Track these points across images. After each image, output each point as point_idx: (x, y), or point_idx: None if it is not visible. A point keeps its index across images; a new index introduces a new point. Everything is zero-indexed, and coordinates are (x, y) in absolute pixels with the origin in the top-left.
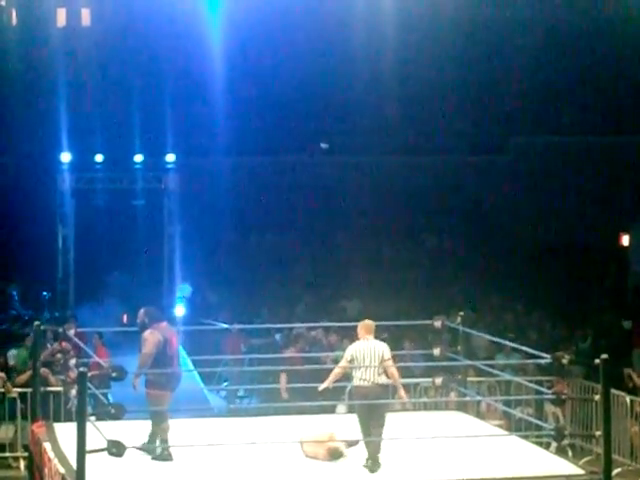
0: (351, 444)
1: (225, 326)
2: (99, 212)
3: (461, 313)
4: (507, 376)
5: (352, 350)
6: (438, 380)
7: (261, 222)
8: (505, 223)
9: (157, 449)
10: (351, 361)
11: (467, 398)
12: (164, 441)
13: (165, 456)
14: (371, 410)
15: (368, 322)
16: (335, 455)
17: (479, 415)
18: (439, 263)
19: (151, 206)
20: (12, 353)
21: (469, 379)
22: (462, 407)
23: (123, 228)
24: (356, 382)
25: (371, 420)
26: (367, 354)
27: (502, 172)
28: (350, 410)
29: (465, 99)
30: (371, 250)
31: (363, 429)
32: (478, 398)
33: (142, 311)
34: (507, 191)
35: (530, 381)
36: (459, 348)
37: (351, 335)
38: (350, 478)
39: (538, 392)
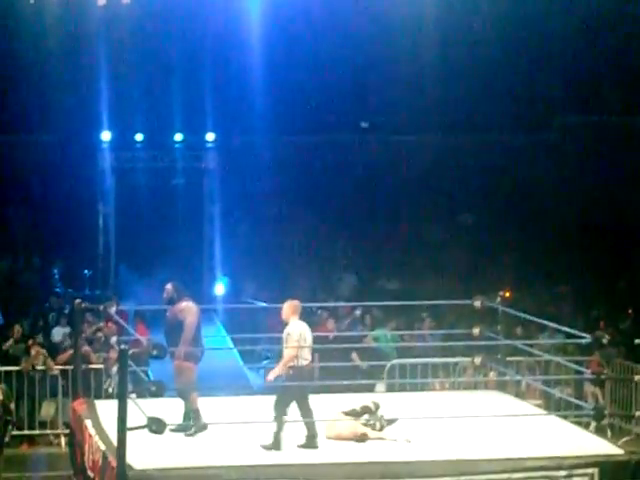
0: (389, 422)
1: (264, 305)
2: (139, 191)
3: (501, 293)
4: (547, 356)
5: (300, 329)
6: (477, 360)
7: (300, 201)
8: (547, 202)
9: (193, 423)
10: (298, 341)
11: (506, 378)
12: (196, 411)
13: (201, 427)
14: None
15: (297, 302)
16: (363, 437)
17: (518, 395)
18: (479, 242)
19: (191, 185)
20: (55, 331)
21: (508, 359)
22: (501, 387)
23: (163, 207)
24: (302, 362)
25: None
26: (308, 334)
27: (545, 151)
28: (389, 389)
29: (509, 77)
30: (410, 229)
31: (306, 408)
32: (517, 378)
33: (170, 286)
34: (550, 170)
35: (570, 361)
36: (498, 328)
37: (390, 315)
38: (384, 456)
39: (578, 372)
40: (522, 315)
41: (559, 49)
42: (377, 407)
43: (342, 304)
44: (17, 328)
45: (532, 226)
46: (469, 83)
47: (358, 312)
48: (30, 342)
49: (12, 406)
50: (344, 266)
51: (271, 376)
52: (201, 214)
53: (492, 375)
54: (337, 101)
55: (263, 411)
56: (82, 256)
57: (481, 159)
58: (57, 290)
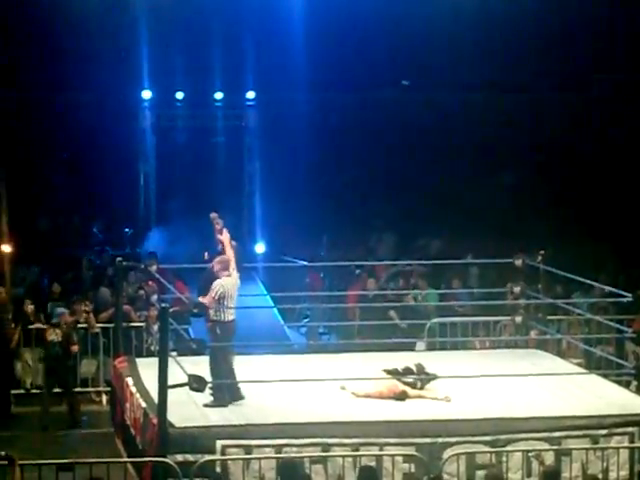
0: (429, 381)
1: (304, 263)
2: (180, 149)
3: (542, 251)
4: (588, 314)
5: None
6: (518, 318)
7: (341, 159)
8: (587, 160)
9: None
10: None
11: (547, 336)
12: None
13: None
14: None
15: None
16: (403, 396)
17: (559, 353)
18: (519, 201)
19: (231, 144)
20: (96, 289)
21: (549, 317)
22: (542, 345)
23: (203, 165)
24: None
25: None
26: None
27: (585, 109)
28: (429, 347)
29: (548, 35)
30: (451, 188)
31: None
32: (558, 336)
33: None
34: (590, 127)
35: (611, 320)
36: (539, 286)
37: (431, 273)
38: (423, 414)
39: (619, 331)
40: (563, 273)
41: (599, 6)
42: (420, 370)
43: (381, 263)
44: (56, 287)
45: (573, 184)
46: (510, 41)
47: (398, 271)
48: (74, 299)
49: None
50: (383, 226)
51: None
52: (241, 172)
53: (533, 334)
54: (378, 58)
55: (302, 369)
56: (123, 215)
57: (522, 117)
58: (98, 249)
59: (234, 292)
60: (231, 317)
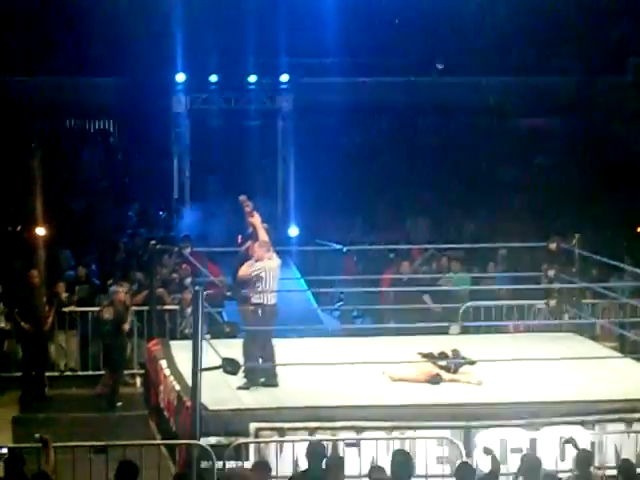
0: (463, 364)
1: (338, 247)
2: (213, 133)
3: (577, 235)
4: (622, 298)
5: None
6: (552, 302)
7: (375, 142)
8: (621, 143)
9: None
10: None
11: (581, 320)
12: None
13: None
14: None
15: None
16: (437, 379)
17: (593, 337)
18: (554, 184)
19: (265, 127)
20: (130, 273)
21: (584, 301)
22: (576, 329)
23: (237, 149)
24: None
25: None
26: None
27: (620, 92)
28: (463, 331)
29: (583, 18)
30: (485, 171)
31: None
32: (592, 320)
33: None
34: (624, 111)
35: None
36: (574, 270)
37: (465, 257)
38: (456, 398)
39: None
40: (597, 257)
41: None
42: (456, 355)
43: (416, 246)
44: (81, 270)
45: (608, 168)
46: (544, 24)
47: (431, 254)
48: (110, 282)
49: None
50: (418, 209)
51: None
52: (275, 155)
53: (567, 317)
54: (412, 42)
55: (336, 353)
56: (157, 198)
57: (555, 100)
58: (132, 232)
59: (276, 275)
60: (273, 301)
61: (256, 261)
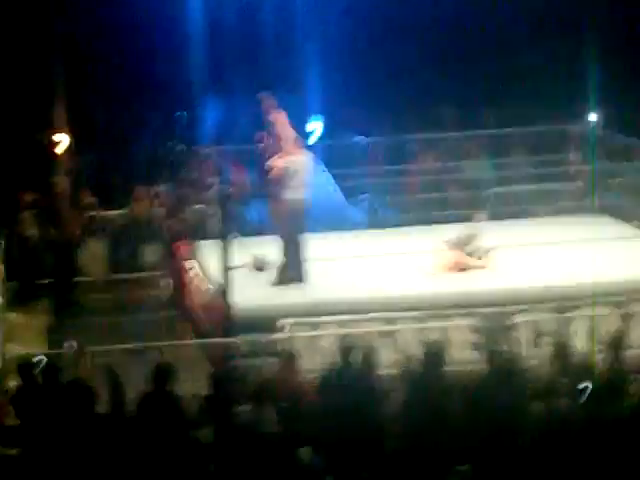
0: (490, 251)
1: (363, 138)
2: (233, 23)
3: (597, 117)
4: None
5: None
6: (579, 184)
7: (397, 33)
8: None
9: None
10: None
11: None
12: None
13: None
14: None
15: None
16: (464, 266)
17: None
18: (575, 68)
19: (287, 16)
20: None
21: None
22: (610, 211)
23: (259, 37)
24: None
25: None
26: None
27: None
28: (489, 218)
29: None
30: (506, 57)
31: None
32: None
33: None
34: None
35: None
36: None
37: (488, 145)
38: (484, 284)
39: None
40: (621, 138)
41: None
42: (474, 239)
43: (439, 135)
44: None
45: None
46: None
47: (455, 143)
48: (137, 188)
49: None
50: (442, 98)
51: None
52: (301, 47)
53: (593, 200)
54: None
55: (363, 246)
56: (178, 98)
57: None
58: (156, 136)
59: (307, 170)
60: (304, 195)
61: (287, 156)
